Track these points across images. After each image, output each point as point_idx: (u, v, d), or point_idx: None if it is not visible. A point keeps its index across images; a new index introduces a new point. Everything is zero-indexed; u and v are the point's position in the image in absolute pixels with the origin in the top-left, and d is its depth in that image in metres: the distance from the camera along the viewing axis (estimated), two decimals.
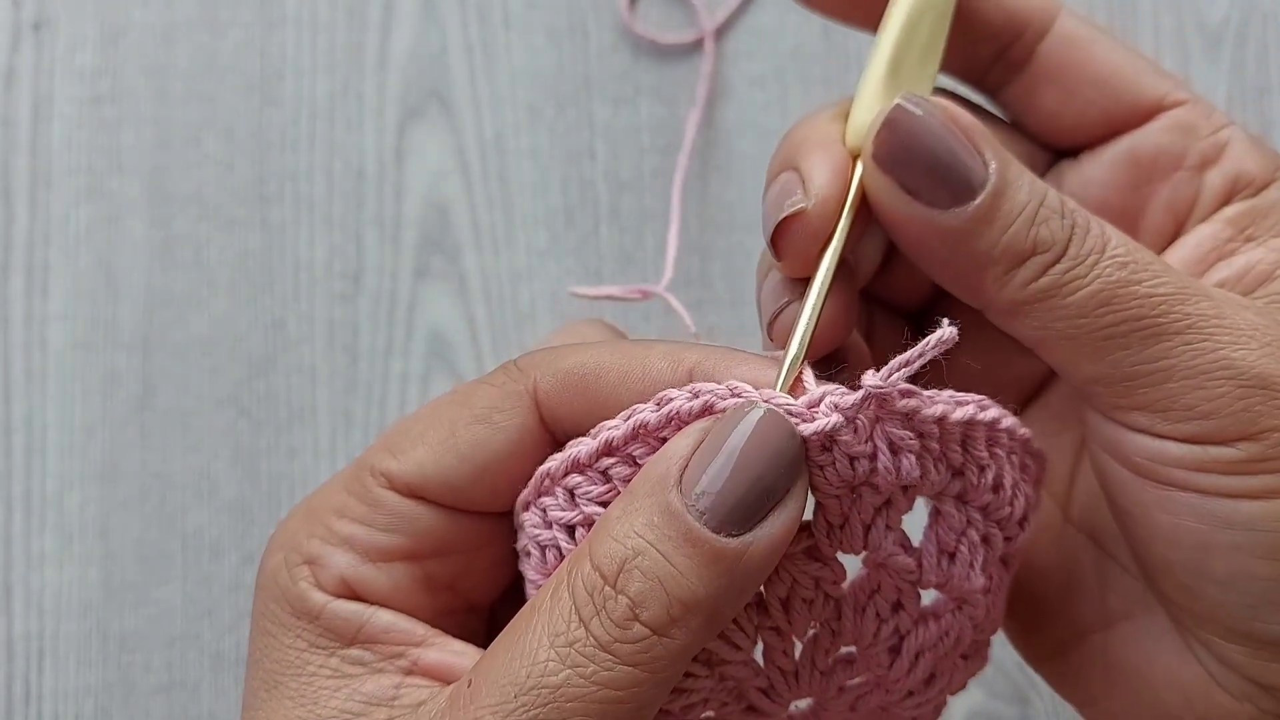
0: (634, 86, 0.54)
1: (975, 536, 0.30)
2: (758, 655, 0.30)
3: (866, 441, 0.27)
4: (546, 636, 0.26)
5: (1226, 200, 0.32)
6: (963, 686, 0.33)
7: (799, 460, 0.27)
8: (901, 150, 0.28)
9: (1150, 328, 0.27)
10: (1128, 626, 0.33)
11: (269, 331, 0.53)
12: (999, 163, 0.28)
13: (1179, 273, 0.28)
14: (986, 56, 0.33)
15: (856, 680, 0.31)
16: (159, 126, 0.54)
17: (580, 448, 0.29)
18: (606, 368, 0.29)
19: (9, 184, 0.53)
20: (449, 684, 0.28)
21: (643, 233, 0.53)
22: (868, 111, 0.30)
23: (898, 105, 0.28)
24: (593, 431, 0.29)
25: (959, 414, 0.28)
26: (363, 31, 0.55)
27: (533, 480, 0.30)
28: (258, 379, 0.52)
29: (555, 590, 0.27)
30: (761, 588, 0.29)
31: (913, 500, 0.29)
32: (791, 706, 0.32)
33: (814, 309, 0.29)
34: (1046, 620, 0.35)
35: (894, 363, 0.27)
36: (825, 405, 0.27)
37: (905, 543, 0.29)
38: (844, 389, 0.27)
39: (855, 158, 0.29)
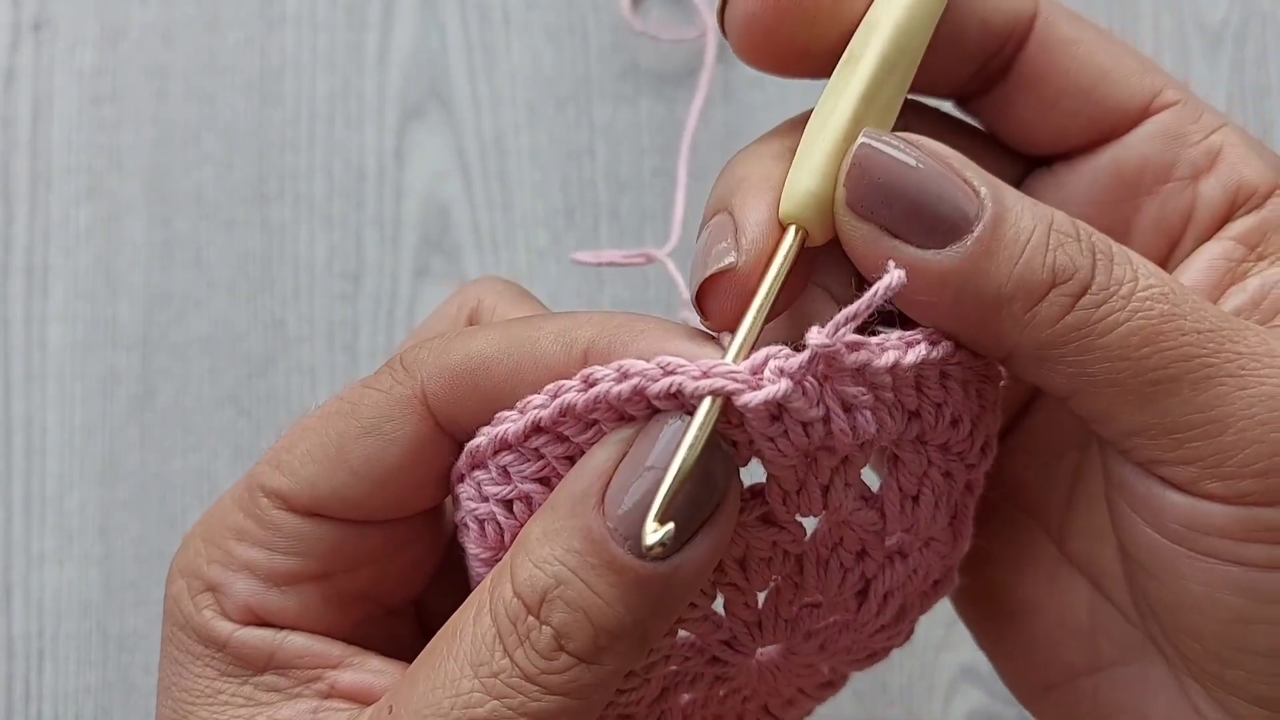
0: (634, 86, 0.54)
1: (937, 475, 0.28)
2: (718, 607, 0.29)
3: (819, 404, 0.25)
4: (470, 665, 0.25)
5: (1228, 214, 0.28)
6: (931, 606, 0.33)
7: (730, 470, 0.25)
8: (878, 191, 0.25)
9: (1202, 370, 0.24)
10: (1121, 672, 0.30)
11: (269, 331, 0.53)
12: (990, 188, 0.25)
13: (1212, 304, 0.25)
14: (964, 75, 0.29)
15: (824, 624, 0.30)
16: (159, 126, 0.54)
17: (507, 426, 0.27)
18: (495, 360, 0.26)
19: (9, 184, 0.53)
20: (368, 704, 0.27)
21: (643, 232, 0.53)
22: (810, 177, 0.26)
23: (864, 144, 0.25)
24: (519, 406, 0.26)
25: (911, 357, 0.25)
26: (363, 31, 0.55)
27: (464, 453, 0.28)
28: (258, 379, 0.52)
29: (478, 613, 0.25)
30: None
31: (870, 453, 0.27)
32: (758, 652, 0.31)
33: (766, 293, 0.26)
34: (1035, 658, 0.33)
35: (839, 316, 0.25)
36: (770, 371, 0.24)
37: (866, 494, 0.28)
38: (786, 350, 0.25)
39: (785, 228, 0.26)
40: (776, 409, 0.25)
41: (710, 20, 0.54)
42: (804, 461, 0.26)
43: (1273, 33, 0.54)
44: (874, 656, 0.33)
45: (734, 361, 0.25)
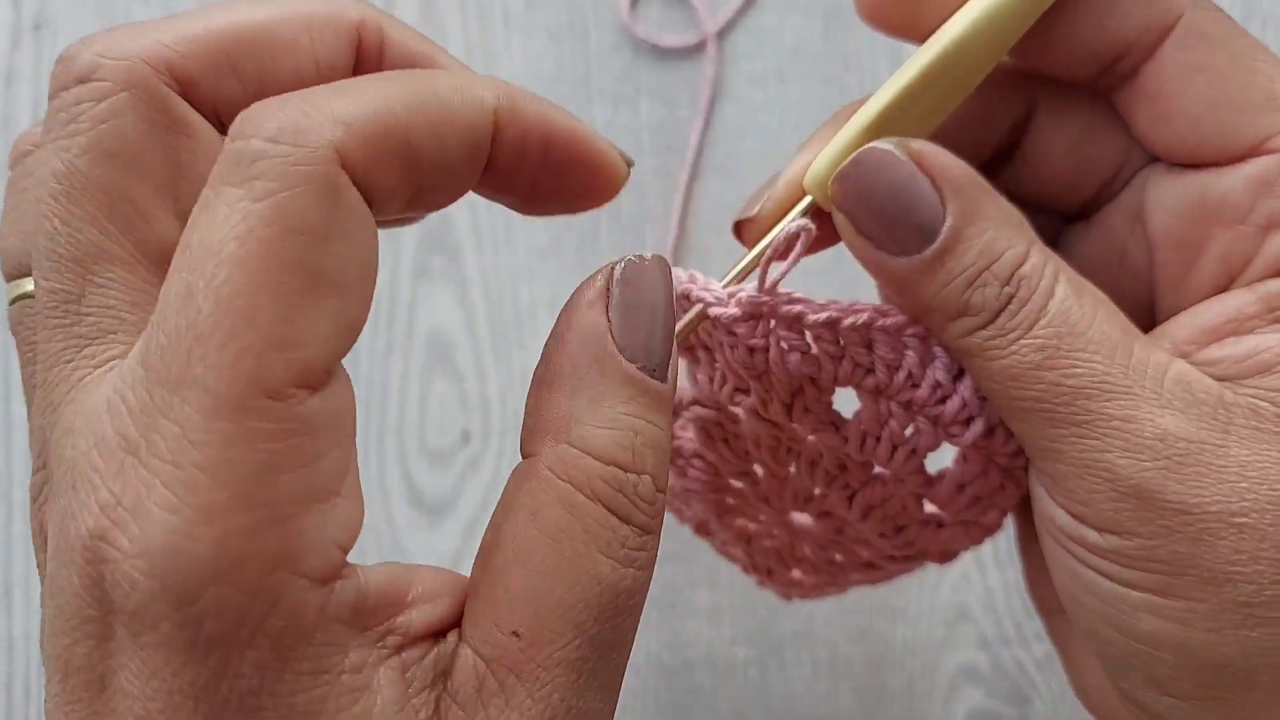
0: (634, 86, 0.54)
1: (895, 427, 0.32)
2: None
3: (758, 336, 0.30)
4: (599, 550, 0.25)
5: (1277, 272, 0.29)
6: (947, 545, 0.36)
7: (671, 285, 0.28)
8: (856, 196, 0.29)
9: (1048, 413, 0.28)
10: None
11: None
12: (958, 218, 0.28)
13: (1111, 365, 0.28)
14: (1085, 74, 0.31)
15: (830, 510, 0.36)
16: None
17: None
18: (412, 121, 0.24)
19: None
20: (440, 634, 0.25)
21: (643, 232, 0.53)
22: (822, 163, 0.30)
23: (868, 149, 0.29)
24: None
25: (850, 320, 0.30)
26: None
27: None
28: None
29: (570, 505, 0.25)
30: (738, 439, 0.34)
31: (827, 387, 0.32)
32: (794, 517, 0.37)
33: (769, 242, 0.30)
34: (1037, 582, 0.36)
35: (754, 264, 0.30)
36: (736, 299, 0.30)
37: (835, 420, 0.32)
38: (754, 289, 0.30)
39: (804, 195, 0.31)
40: (727, 327, 0.31)
41: (711, 25, 0.54)
42: (762, 379, 0.32)
43: (1273, 33, 0.54)
44: (897, 566, 0.38)
45: (723, 286, 0.31)
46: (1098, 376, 0.28)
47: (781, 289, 0.30)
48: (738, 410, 0.34)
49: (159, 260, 0.25)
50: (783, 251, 0.30)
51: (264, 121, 0.23)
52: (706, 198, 0.53)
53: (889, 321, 0.30)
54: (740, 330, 0.30)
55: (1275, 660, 0.27)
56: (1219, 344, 0.29)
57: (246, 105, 0.24)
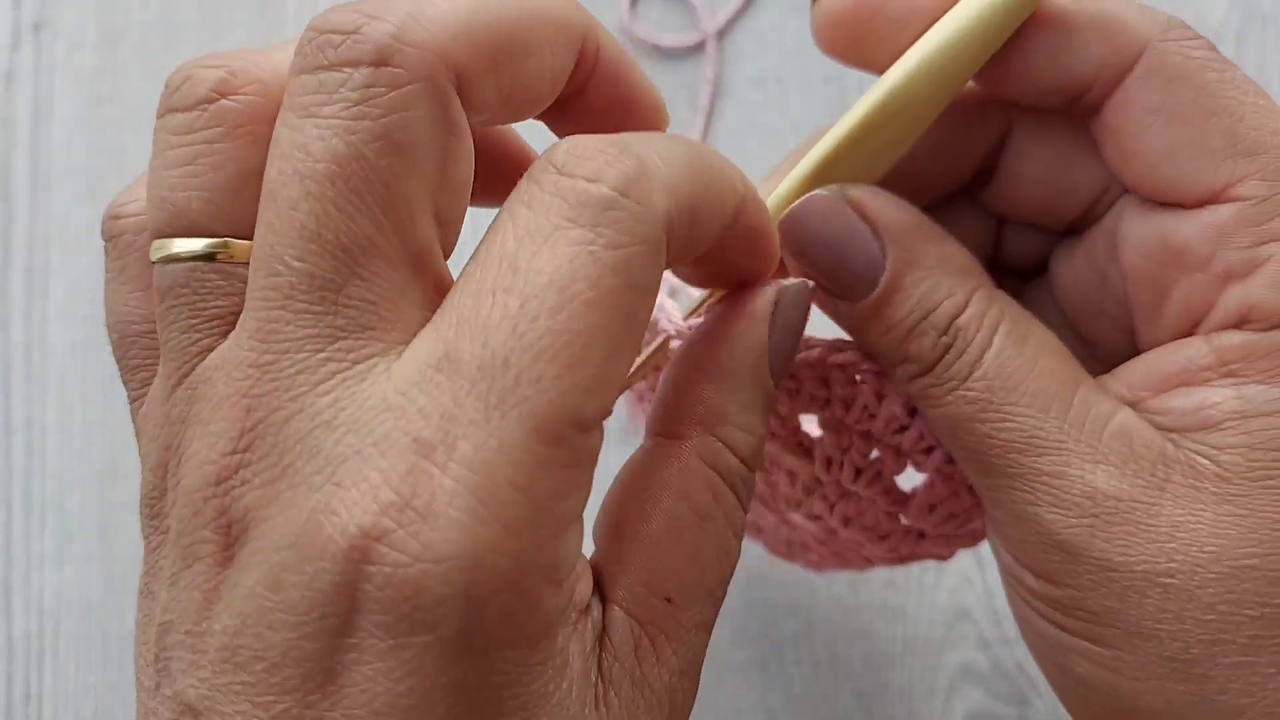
0: None
1: (856, 454, 0.32)
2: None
3: None
4: (731, 531, 0.28)
5: (1237, 324, 0.28)
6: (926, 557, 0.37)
7: None
8: (798, 247, 0.30)
9: (982, 464, 0.29)
10: None
11: None
12: (896, 266, 0.29)
13: (1045, 419, 0.28)
14: (1050, 105, 0.30)
15: (817, 522, 0.37)
16: None
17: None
18: (704, 200, 0.25)
19: (9, 184, 0.53)
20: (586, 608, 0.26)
21: None
22: (774, 203, 0.30)
23: (807, 199, 0.29)
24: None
25: (800, 355, 0.30)
26: None
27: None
28: None
29: (714, 494, 0.27)
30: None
31: (794, 415, 0.32)
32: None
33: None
34: None
35: (698, 304, 0.30)
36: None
37: (802, 440, 0.33)
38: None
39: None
40: None
41: (711, 25, 0.54)
42: None
43: (1273, 33, 0.54)
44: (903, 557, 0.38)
45: (685, 318, 0.31)
46: (1028, 431, 0.28)
47: None
48: None
49: (417, 261, 0.24)
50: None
51: (609, 172, 0.23)
52: None
53: (842, 358, 0.31)
54: None
55: (1202, 711, 0.27)
56: (1170, 394, 0.29)
57: (493, 105, 0.25)
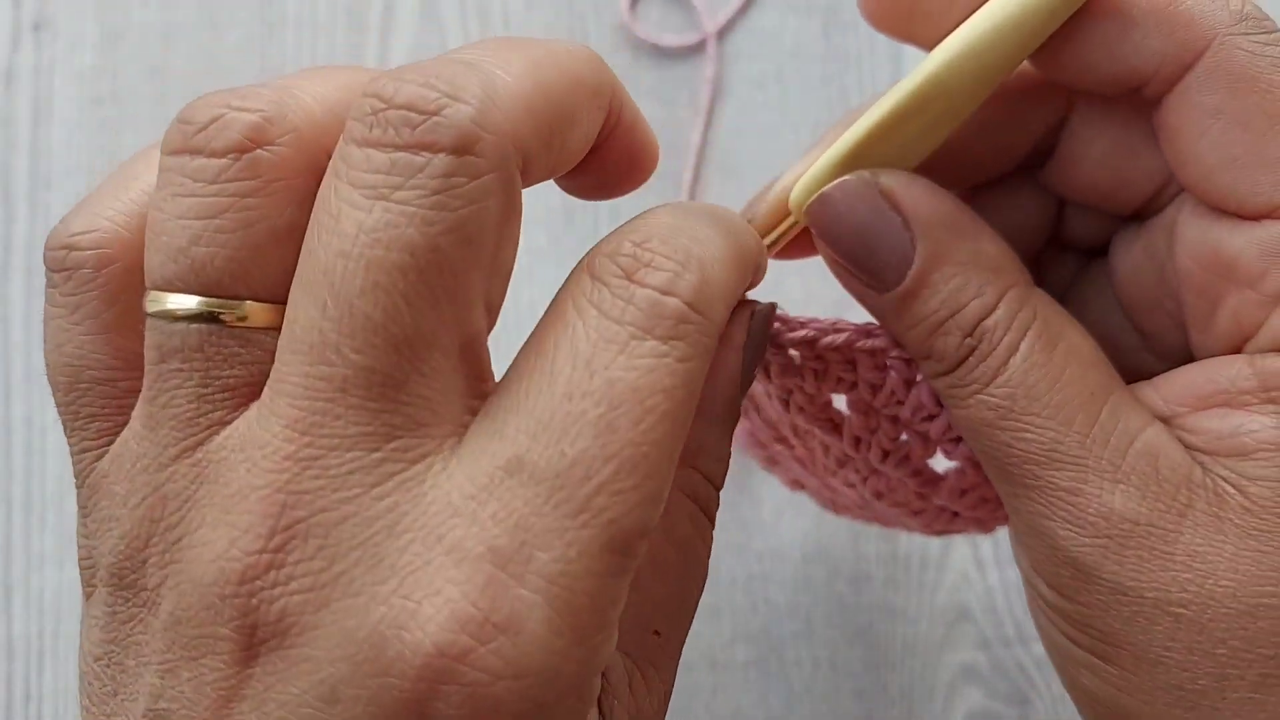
0: (634, 87, 0.54)
1: (883, 437, 0.32)
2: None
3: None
4: (706, 555, 0.28)
5: None
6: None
7: None
8: (828, 233, 0.29)
9: (1001, 472, 0.28)
10: None
11: None
12: (924, 262, 0.28)
13: (1066, 433, 0.27)
14: (1108, 94, 0.28)
15: (854, 489, 0.36)
16: (159, 127, 0.54)
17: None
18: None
19: (9, 184, 0.53)
20: None
21: None
22: (801, 188, 0.29)
23: (839, 184, 0.28)
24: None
25: (827, 340, 0.30)
26: (363, 32, 0.55)
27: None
28: None
29: (693, 525, 0.28)
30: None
31: (815, 394, 0.32)
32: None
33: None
34: None
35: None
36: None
37: (832, 417, 0.33)
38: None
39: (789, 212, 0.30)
40: None
41: (711, 25, 0.54)
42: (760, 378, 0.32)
43: None
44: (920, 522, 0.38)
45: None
46: (1048, 444, 0.27)
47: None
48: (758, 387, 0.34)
49: (466, 351, 0.23)
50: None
51: (676, 284, 0.23)
52: (707, 198, 0.53)
53: (871, 343, 0.30)
54: None
55: None
56: (1206, 413, 0.27)
57: (543, 177, 0.25)
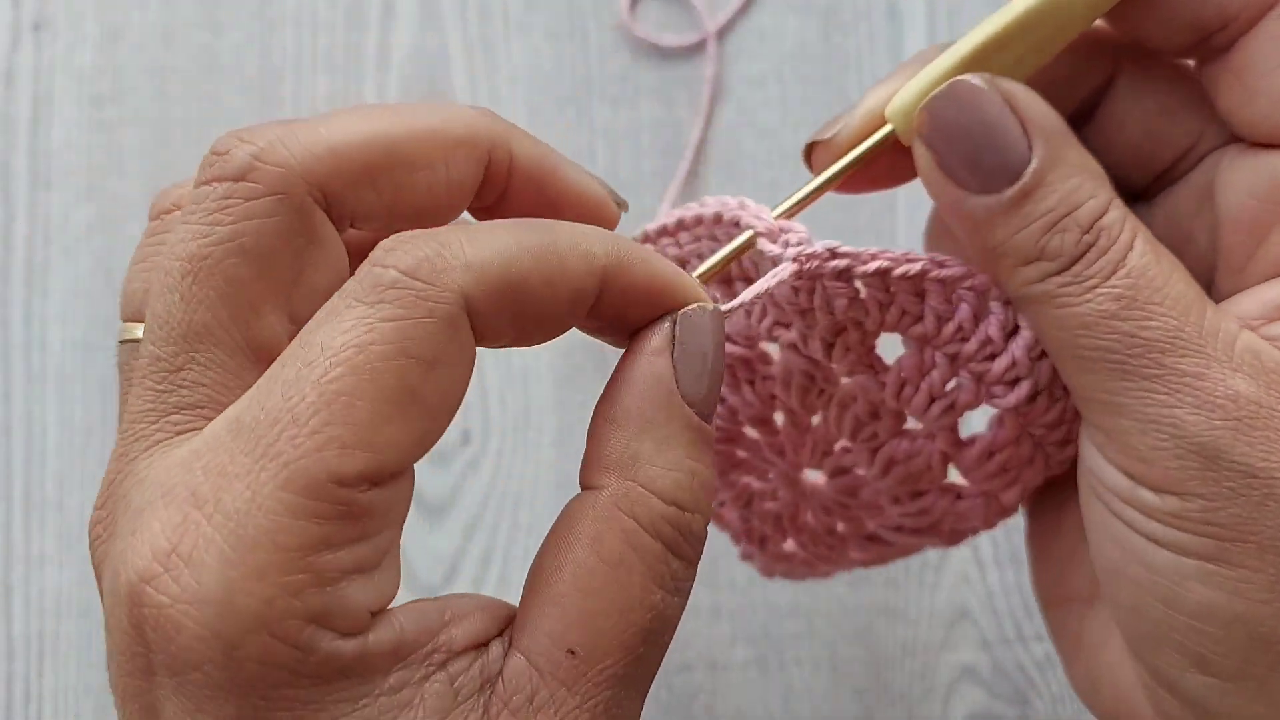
0: (634, 87, 0.54)
1: (937, 378, 0.32)
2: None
3: (809, 279, 0.31)
4: (652, 580, 0.27)
5: None
6: (960, 522, 0.36)
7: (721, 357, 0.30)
8: (941, 130, 0.29)
9: (1119, 364, 0.28)
10: (1102, 609, 0.33)
11: None
12: (1043, 161, 0.29)
13: (1185, 323, 0.28)
14: (1180, 43, 0.31)
15: (851, 466, 0.36)
16: (159, 126, 0.54)
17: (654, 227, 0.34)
18: (530, 273, 0.26)
19: (9, 184, 0.53)
20: (478, 649, 0.27)
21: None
22: (909, 92, 0.30)
23: (950, 85, 0.29)
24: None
25: (900, 269, 0.30)
26: (362, 31, 0.55)
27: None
28: None
29: (629, 542, 0.27)
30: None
31: (877, 331, 0.32)
32: (808, 475, 0.38)
33: (823, 181, 0.31)
34: (1051, 574, 0.36)
35: (798, 199, 0.31)
36: (785, 237, 0.30)
37: (875, 363, 0.32)
38: (806, 235, 0.30)
39: (884, 123, 0.31)
40: (771, 263, 0.30)
41: (711, 24, 0.54)
42: (803, 313, 0.31)
43: None
44: (901, 541, 0.37)
45: (775, 216, 0.31)
46: (1171, 332, 0.28)
47: (820, 243, 0.30)
48: (772, 348, 0.34)
49: (259, 353, 0.26)
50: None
51: (403, 256, 0.25)
52: (708, 194, 0.53)
53: (945, 273, 0.30)
54: (784, 276, 0.31)
55: None
56: (1268, 326, 0.29)
57: (379, 215, 0.27)
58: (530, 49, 0.55)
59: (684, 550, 0.28)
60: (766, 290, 0.30)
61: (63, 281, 0.53)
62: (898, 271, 0.30)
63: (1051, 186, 0.29)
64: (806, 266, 0.30)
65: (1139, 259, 0.28)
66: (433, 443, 0.26)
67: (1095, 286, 0.28)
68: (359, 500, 0.24)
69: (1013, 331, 0.30)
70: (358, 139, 0.27)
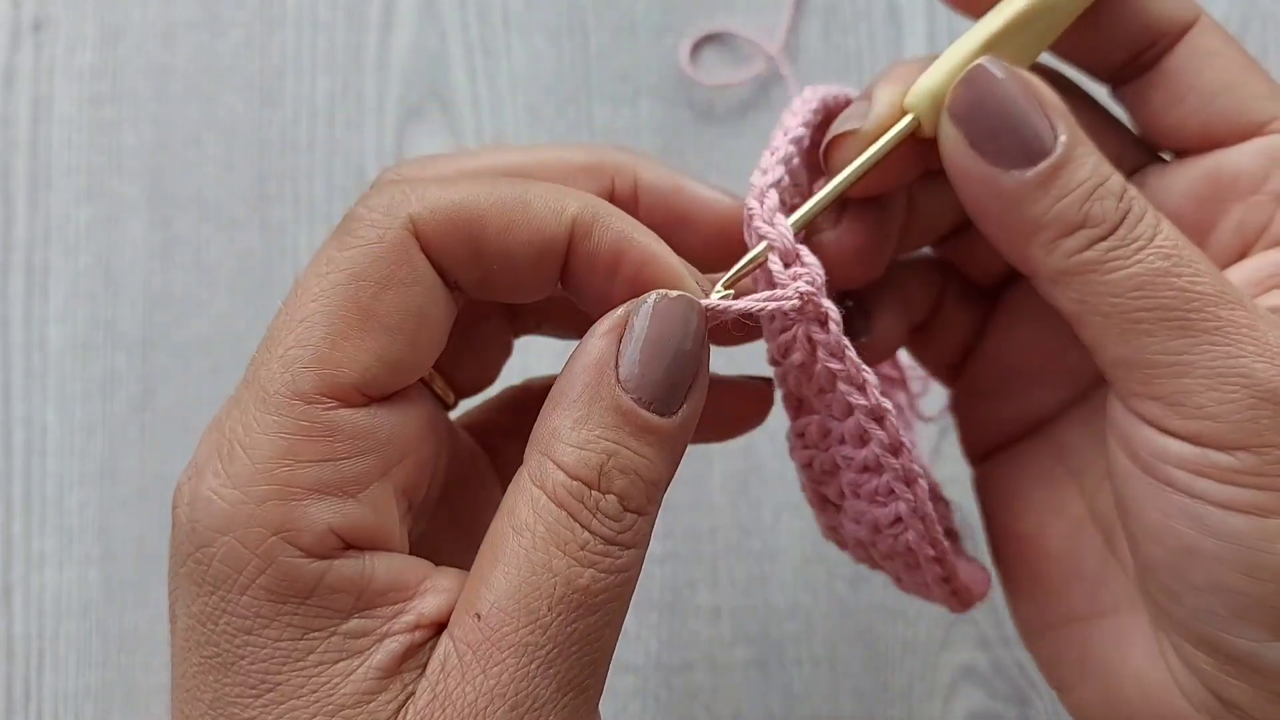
0: (634, 86, 0.54)
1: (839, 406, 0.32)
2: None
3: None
4: (555, 546, 0.27)
5: None
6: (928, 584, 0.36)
7: (703, 329, 0.29)
8: (976, 106, 0.30)
9: (1179, 320, 0.28)
10: (1111, 622, 0.33)
11: None
12: (1069, 136, 0.29)
13: (1225, 279, 0.29)
14: (1117, 60, 0.33)
15: (827, 471, 0.35)
16: (159, 126, 0.54)
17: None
18: (487, 211, 0.28)
19: (9, 184, 0.53)
20: (444, 627, 0.28)
21: None
22: (933, 77, 0.31)
23: (980, 64, 0.30)
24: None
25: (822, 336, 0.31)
26: (363, 31, 0.55)
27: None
28: None
29: (535, 506, 0.27)
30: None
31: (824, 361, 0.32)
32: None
33: (839, 183, 0.31)
34: (1042, 600, 0.35)
35: (822, 199, 0.31)
36: (796, 274, 0.31)
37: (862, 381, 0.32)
38: (818, 269, 0.31)
39: (904, 113, 0.31)
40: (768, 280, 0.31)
41: (776, 51, 0.54)
42: (776, 327, 0.32)
43: (1273, 33, 0.54)
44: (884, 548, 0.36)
45: (792, 224, 0.31)
46: (1219, 285, 0.29)
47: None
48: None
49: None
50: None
51: (372, 197, 0.28)
52: None
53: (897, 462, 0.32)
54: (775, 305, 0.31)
55: None
56: (1265, 295, 0.30)
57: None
58: (530, 49, 0.55)
59: (592, 524, 0.27)
60: (757, 309, 0.30)
61: (63, 281, 0.53)
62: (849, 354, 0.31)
63: (1081, 159, 0.29)
64: (805, 308, 0.30)
65: (1168, 225, 0.29)
66: (405, 365, 0.28)
67: (1143, 247, 0.29)
68: (322, 416, 0.27)
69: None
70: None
